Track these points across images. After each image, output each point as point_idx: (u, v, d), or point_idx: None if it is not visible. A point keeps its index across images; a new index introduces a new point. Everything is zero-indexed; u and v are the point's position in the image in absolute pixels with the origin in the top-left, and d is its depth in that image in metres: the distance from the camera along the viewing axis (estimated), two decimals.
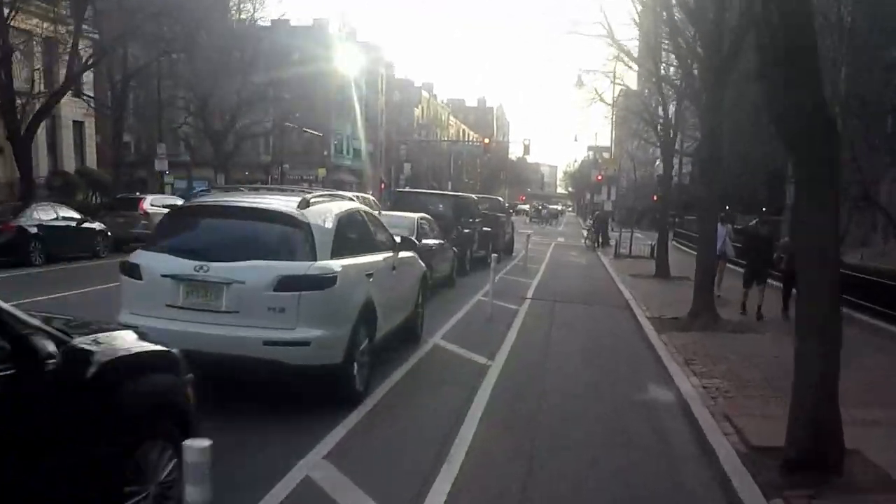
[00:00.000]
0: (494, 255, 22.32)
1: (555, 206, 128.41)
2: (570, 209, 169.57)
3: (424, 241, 18.68)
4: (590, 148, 50.89)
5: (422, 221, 20.48)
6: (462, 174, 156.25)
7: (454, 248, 22.79)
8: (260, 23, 66.37)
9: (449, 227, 24.49)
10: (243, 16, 59.50)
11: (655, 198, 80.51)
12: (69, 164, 46.66)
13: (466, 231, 26.50)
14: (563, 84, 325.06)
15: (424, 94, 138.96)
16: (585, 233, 56.29)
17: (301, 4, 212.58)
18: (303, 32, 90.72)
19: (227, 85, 52.18)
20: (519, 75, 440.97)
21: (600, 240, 46.51)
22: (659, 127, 34.09)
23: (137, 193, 35.46)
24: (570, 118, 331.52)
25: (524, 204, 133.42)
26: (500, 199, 40.57)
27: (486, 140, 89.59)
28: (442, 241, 21.25)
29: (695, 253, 22.27)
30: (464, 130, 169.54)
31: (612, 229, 49.53)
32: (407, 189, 41.03)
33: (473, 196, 31.89)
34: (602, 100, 39.33)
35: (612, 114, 47.33)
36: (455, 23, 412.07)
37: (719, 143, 18.70)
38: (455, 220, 25.80)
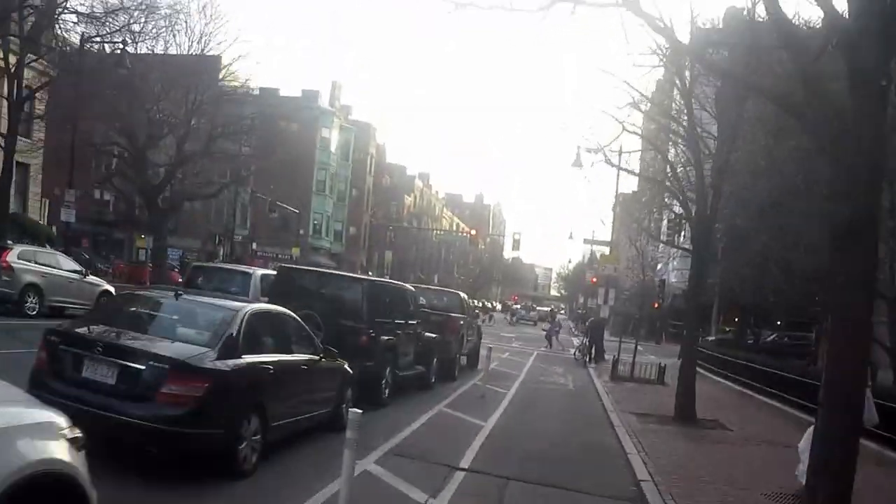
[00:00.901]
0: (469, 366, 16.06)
1: (543, 308, 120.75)
2: (562, 312, 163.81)
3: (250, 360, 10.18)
4: (586, 241, 42.90)
5: (253, 318, 10.62)
6: (453, 269, 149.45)
7: (346, 366, 13.65)
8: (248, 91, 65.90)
9: (353, 328, 16.08)
10: (233, 83, 57.60)
11: (657, 304, 73.65)
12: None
13: (386, 337, 17.43)
14: (563, 184, 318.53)
15: (418, 182, 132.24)
16: (576, 342, 48.86)
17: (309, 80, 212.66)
18: (290, 102, 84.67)
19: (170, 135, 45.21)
20: (518, 175, 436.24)
21: (593, 353, 38.54)
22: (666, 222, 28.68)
23: (9, 242, 27.34)
24: (568, 219, 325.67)
25: (517, 304, 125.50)
26: (461, 294, 30.92)
27: (474, 231, 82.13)
28: (313, 356, 12.27)
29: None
30: (458, 225, 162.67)
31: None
32: (292, 265, 31.81)
33: (408, 286, 22.70)
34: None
35: (617, 197, 39.88)
36: (458, 119, 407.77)
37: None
38: (367, 317, 16.63)
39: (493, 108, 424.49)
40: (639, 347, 41.31)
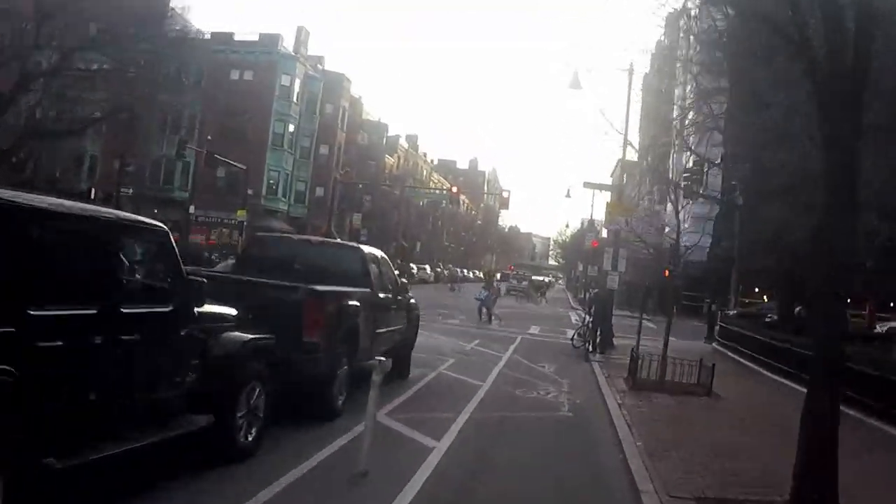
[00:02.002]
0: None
1: (539, 278, 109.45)
2: (560, 282, 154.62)
3: None
4: (587, 185, 31.95)
5: None
6: (441, 236, 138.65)
7: None
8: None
9: None
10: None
11: (667, 273, 63.57)
12: None
13: None
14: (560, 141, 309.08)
15: (403, 143, 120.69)
16: (578, 319, 38.04)
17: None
18: (245, 48, 73.58)
19: None
20: (517, 140, 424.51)
21: (598, 338, 27.46)
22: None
23: None
24: (566, 178, 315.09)
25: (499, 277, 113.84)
26: (368, 251, 15.07)
27: (455, 189, 70.80)
28: None
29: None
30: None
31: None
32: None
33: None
34: None
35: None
36: (452, 79, 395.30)
37: None
38: None
39: (488, 65, 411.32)
40: (650, 324, 32.07)
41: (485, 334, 30.32)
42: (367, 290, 13.83)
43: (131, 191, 67.90)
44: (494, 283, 39.19)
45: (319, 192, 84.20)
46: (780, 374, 22.63)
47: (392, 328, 15.70)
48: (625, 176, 32.60)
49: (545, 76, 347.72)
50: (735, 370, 24.60)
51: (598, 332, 27.33)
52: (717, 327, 36.84)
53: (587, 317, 28.48)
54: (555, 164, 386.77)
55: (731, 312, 49.62)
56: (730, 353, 28.49)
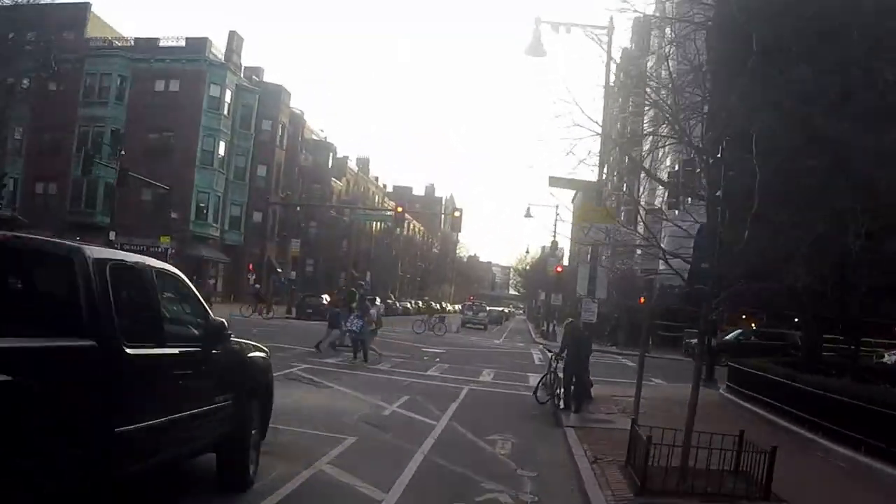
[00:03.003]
0: None
1: (496, 309, 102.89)
2: (520, 312, 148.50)
3: None
4: (553, 182, 23.14)
5: None
6: (397, 266, 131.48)
7: None
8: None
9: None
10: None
11: (643, 299, 57.01)
12: None
13: None
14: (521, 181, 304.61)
15: (353, 166, 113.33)
16: (541, 359, 30.91)
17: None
18: (172, 54, 66.33)
19: None
20: (476, 166, 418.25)
21: (572, 389, 19.93)
22: None
23: None
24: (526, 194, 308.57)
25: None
26: (107, 253, 5.84)
27: (399, 209, 63.60)
28: None
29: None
30: (409, 221, 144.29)
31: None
32: None
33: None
34: None
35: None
36: (407, 103, 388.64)
37: None
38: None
39: (446, 87, 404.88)
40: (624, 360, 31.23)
41: (418, 386, 22.89)
42: (88, 340, 6.31)
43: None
44: (369, 308, 29.52)
45: (258, 217, 76.31)
46: (863, 449, 14.49)
47: (196, 410, 8.22)
48: (604, 171, 25.07)
49: (506, 84, 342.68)
50: (776, 439, 17.14)
51: (572, 383, 19.87)
52: (715, 367, 29.55)
53: (554, 361, 20.98)
54: (515, 190, 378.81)
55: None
56: (751, 406, 20.98)
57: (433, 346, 39.89)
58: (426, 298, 76.25)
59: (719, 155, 28.12)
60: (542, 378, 21.89)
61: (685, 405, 15.31)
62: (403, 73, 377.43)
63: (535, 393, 21.48)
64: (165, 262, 49.16)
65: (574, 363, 19.92)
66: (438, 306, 71.00)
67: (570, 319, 21.49)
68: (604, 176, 24.57)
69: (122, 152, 56.57)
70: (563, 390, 20.01)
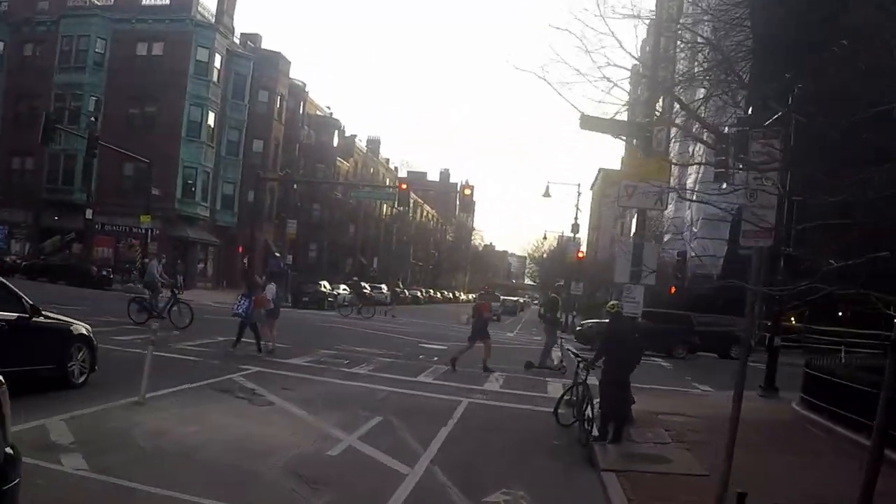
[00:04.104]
0: None
1: (512, 298, 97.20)
2: (535, 302, 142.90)
3: None
4: (583, 123, 16.97)
5: None
6: (408, 253, 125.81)
7: None
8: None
9: None
10: None
11: (673, 289, 51.37)
12: None
13: None
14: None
15: (361, 145, 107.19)
16: (559, 357, 25.26)
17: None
18: (154, 13, 60.60)
19: None
20: (494, 150, 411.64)
21: (612, 414, 13.91)
22: None
23: None
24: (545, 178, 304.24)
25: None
26: None
27: (404, 185, 57.81)
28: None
29: None
30: (422, 208, 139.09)
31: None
32: None
33: None
34: None
35: None
36: (422, 84, 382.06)
37: None
38: None
39: (464, 65, 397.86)
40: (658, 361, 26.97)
41: (400, 399, 16.95)
42: None
43: None
44: (263, 288, 24.25)
45: (253, 196, 70.26)
46: None
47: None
48: (660, 109, 19.02)
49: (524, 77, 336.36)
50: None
51: (613, 402, 13.87)
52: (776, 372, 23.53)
53: (583, 371, 14.95)
54: (534, 176, 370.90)
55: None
56: (846, 432, 14.93)
57: (434, 340, 33.91)
58: (355, 278, 69.20)
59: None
60: (565, 391, 15.92)
61: (753, 426, 12.65)
62: (419, 54, 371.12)
63: (555, 411, 15.56)
64: (146, 242, 42.34)
65: (617, 375, 13.97)
66: (367, 289, 64.80)
67: (615, 307, 15.12)
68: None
69: (94, 119, 51.01)
70: (592, 410, 14.12)
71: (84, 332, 14.52)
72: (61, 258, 53.61)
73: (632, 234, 19.00)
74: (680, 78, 21.97)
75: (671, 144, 22.17)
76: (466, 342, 24.58)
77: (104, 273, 50.69)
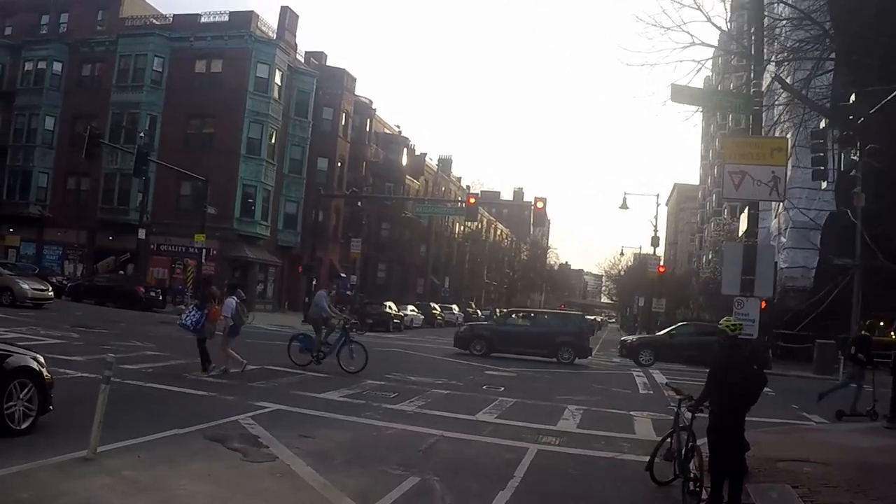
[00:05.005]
0: None
1: (590, 317, 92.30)
2: (612, 320, 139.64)
3: None
4: (675, 95, 13.37)
5: None
6: (482, 273, 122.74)
7: None
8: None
9: None
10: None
11: (764, 304, 47.50)
12: None
13: None
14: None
15: (431, 163, 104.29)
16: (647, 386, 22.01)
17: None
18: (213, 30, 58.53)
19: None
20: (566, 172, 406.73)
21: (724, 457, 10.22)
22: None
23: None
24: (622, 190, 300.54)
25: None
26: None
27: (472, 199, 54.27)
28: None
29: None
30: (496, 227, 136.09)
31: None
32: None
33: None
34: None
35: None
36: (498, 100, 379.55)
37: None
38: None
39: (540, 83, 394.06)
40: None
41: (449, 448, 13.41)
42: None
43: None
44: (221, 300, 21.46)
45: (318, 216, 67.26)
46: None
47: None
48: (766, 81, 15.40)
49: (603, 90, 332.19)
50: None
51: (726, 453, 10.16)
52: None
53: (686, 418, 11.15)
54: (609, 193, 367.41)
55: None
56: None
57: (500, 367, 30.32)
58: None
59: None
60: (663, 438, 12.14)
61: None
62: (489, 73, 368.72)
63: (649, 465, 11.79)
64: (200, 263, 38.40)
65: (730, 418, 10.29)
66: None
67: (735, 328, 10.89)
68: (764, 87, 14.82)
69: (143, 135, 48.72)
70: (701, 465, 10.50)
71: (30, 364, 11.34)
72: (109, 279, 51.21)
73: (740, 234, 15.29)
74: (784, 55, 18.37)
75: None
76: None
77: (152, 294, 48.09)
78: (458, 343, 36.87)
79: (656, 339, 40.72)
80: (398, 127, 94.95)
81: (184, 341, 23.08)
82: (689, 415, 11.16)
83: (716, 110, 16.68)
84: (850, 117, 21.94)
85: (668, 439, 11.69)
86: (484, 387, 22.51)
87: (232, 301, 20.64)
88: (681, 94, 13.60)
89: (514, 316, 41.20)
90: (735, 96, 14.47)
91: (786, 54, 19.08)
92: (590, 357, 37.03)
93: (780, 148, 13.02)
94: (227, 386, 17.93)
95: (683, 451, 11.01)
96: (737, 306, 13.33)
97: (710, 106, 15.28)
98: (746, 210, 14.06)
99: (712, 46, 17.92)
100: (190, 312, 19.96)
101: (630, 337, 45.11)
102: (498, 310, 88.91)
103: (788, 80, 20.17)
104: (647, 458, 11.96)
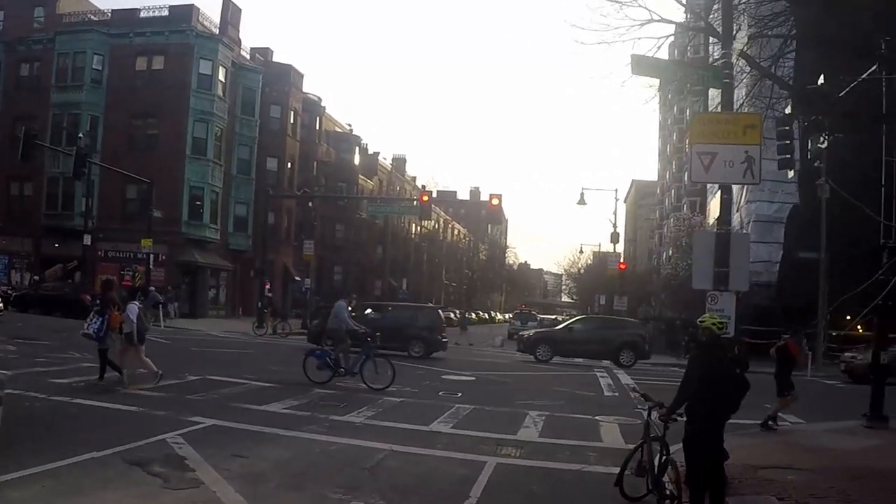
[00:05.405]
0: None
1: (550, 317, 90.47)
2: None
3: None
4: (635, 67, 12.25)
5: None
6: (440, 274, 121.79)
7: None
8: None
9: None
10: None
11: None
12: None
13: None
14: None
15: (384, 161, 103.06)
16: (611, 386, 21.44)
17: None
18: (153, 26, 56.85)
19: None
20: (523, 171, 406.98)
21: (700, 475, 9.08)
22: None
23: None
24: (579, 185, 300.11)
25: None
26: None
27: (425, 197, 52.97)
28: None
29: None
30: (453, 226, 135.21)
31: None
32: None
33: None
34: None
35: None
36: (452, 100, 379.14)
37: None
38: None
39: (494, 85, 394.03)
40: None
41: (398, 464, 12.10)
42: None
43: None
44: (122, 306, 19.34)
45: (270, 218, 65.47)
46: None
47: None
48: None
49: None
50: None
51: (704, 463, 9.01)
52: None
53: (658, 428, 9.94)
54: (567, 192, 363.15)
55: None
56: None
57: (460, 369, 29.11)
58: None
59: None
60: (632, 451, 10.86)
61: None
62: (442, 71, 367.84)
63: (618, 480, 10.52)
64: (148, 269, 36.51)
65: (709, 425, 9.11)
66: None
67: (719, 326, 9.43)
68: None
69: (80, 136, 46.92)
70: (678, 479, 9.36)
71: None
72: (55, 288, 49.44)
73: (711, 221, 14.23)
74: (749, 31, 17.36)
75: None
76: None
77: (98, 302, 46.34)
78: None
79: (555, 334, 39.36)
80: (350, 125, 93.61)
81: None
82: (659, 430, 9.98)
83: (682, 83, 15.54)
84: (817, 100, 21.06)
85: (639, 451, 10.47)
86: (440, 393, 21.23)
87: (134, 306, 19.14)
88: (643, 65, 12.49)
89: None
90: (703, 68, 13.42)
91: (750, 30, 18.07)
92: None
93: (754, 125, 11.91)
94: (162, 400, 16.55)
95: (656, 465, 9.83)
96: (710, 302, 12.22)
97: (676, 78, 14.19)
98: (719, 194, 12.93)
99: (672, 22, 16.82)
100: (92, 321, 18.49)
101: (527, 332, 43.89)
102: (457, 310, 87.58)
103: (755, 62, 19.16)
104: (615, 470, 10.74)
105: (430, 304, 38.45)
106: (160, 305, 45.35)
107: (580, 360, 37.34)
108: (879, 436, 16.65)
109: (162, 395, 17.24)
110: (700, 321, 9.60)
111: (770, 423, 17.19)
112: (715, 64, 13.62)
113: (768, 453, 13.52)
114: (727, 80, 12.25)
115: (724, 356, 9.80)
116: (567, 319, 50.38)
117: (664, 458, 9.71)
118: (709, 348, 9.43)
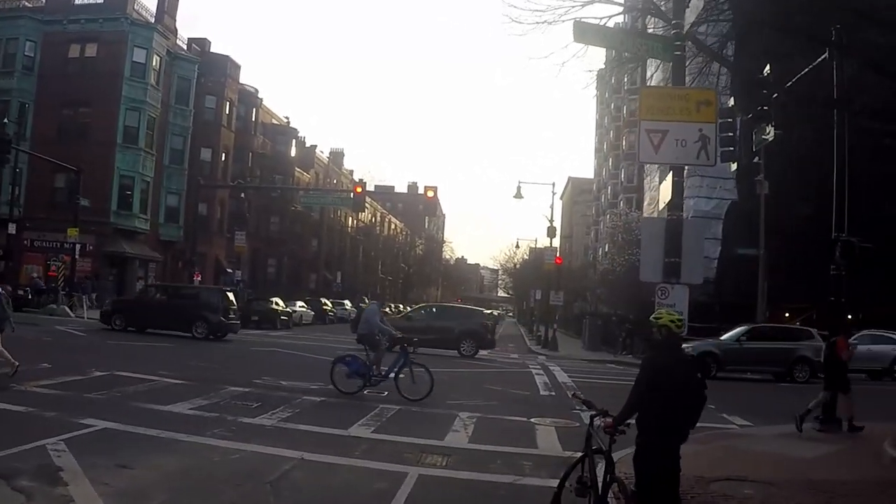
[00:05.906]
0: None
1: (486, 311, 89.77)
2: (510, 315, 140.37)
3: None
4: (579, 31, 11.16)
5: None
6: (376, 268, 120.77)
7: None
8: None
9: None
10: None
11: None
12: None
13: None
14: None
15: (321, 154, 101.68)
16: (547, 384, 20.34)
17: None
18: (87, 13, 54.83)
19: None
20: (461, 166, 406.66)
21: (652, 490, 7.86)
22: None
23: None
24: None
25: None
26: None
27: (359, 188, 51.79)
28: None
29: None
30: (389, 220, 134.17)
31: None
32: None
33: None
34: None
35: None
36: (390, 96, 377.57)
37: None
38: None
39: (432, 81, 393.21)
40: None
41: (303, 477, 10.79)
42: None
43: None
44: None
45: (202, 209, 63.71)
46: None
47: None
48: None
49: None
50: None
51: (657, 479, 7.83)
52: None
53: (599, 441, 8.66)
54: (504, 188, 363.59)
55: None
56: None
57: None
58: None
59: None
60: (572, 466, 9.51)
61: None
62: (389, 69, 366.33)
63: (556, 499, 9.18)
64: (74, 259, 34.08)
65: (664, 437, 7.93)
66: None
67: (675, 323, 8.27)
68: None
69: (6, 122, 45.00)
70: (625, 497, 8.15)
71: None
72: None
73: (661, 206, 13.17)
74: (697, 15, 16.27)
75: None
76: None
77: (20, 293, 44.44)
78: None
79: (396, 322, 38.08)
80: (287, 118, 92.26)
81: (44, 345, 20.34)
82: (602, 443, 8.70)
83: (630, 54, 14.57)
84: (764, 91, 20.30)
85: (580, 465, 9.18)
86: (366, 391, 19.86)
87: None
88: (588, 33, 11.41)
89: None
90: (653, 38, 12.31)
91: (698, 14, 17.13)
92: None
93: (709, 101, 10.86)
94: (57, 399, 15.14)
95: (600, 483, 8.58)
96: (660, 295, 11.11)
97: (623, 48, 13.16)
98: (670, 176, 11.81)
99: (618, 4, 15.73)
100: None
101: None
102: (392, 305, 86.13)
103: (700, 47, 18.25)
104: (553, 483, 9.50)
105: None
106: (83, 297, 43.98)
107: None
108: (834, 440, 15.74)
109: (59, 393, 15.87)
110: (655, 317, 8.30)
111: (853, 423, 16.52)
112: (666, 35, 12.46)
113: (718, 462, 12.41)
114: (678, 53, 11.20)
115: (683, 358, 8.61)
116: (503, 314, 49.55)
117: (609, 476, 8.43)
118: (665, 349, 8.21)
